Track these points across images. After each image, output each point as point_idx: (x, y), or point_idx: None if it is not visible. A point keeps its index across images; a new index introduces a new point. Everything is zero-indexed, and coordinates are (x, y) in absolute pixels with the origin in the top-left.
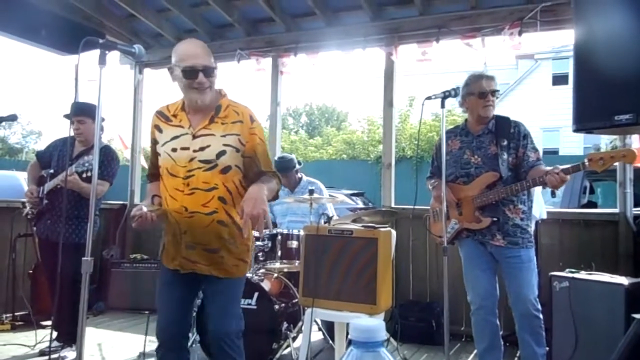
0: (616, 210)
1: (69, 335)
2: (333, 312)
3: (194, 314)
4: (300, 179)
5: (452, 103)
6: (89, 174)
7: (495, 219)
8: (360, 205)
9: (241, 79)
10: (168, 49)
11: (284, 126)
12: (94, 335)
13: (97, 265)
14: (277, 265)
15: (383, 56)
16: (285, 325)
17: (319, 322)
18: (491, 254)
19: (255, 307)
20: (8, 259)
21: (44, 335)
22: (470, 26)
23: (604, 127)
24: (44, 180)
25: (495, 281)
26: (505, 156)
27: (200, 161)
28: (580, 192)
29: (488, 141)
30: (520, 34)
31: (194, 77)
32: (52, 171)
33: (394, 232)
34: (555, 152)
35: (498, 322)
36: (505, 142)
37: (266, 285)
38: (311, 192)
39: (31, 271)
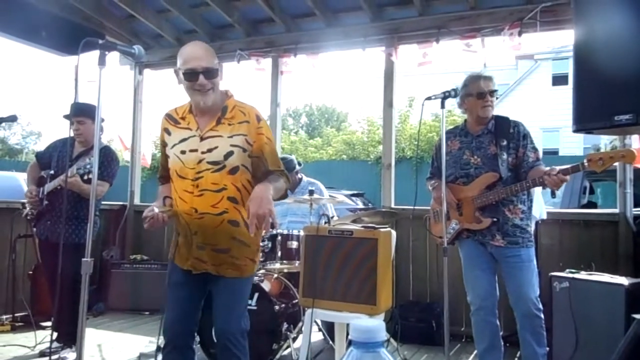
0: (616, 211)
1: (69, 336)
2: (333, 313)
3: None
4: (301, 179)
5: (452, 103)
6: (90, 176)
7: (495, 219)
8: (360, 205)
9: (241, 80)
10: (168, 50)
11: (283, 127)
12: (94, 336)
13: (97, 266)
14: (277, 265)
15: (383, 57)
16: (285, 325)
17: (319, 323)
18: (491, 255)
19: (255, 307)
20: (8, 260)
21: (44, 336)
22: (470, 27)
23: (603, 128)
24: (44, 181)
25: (495, 282)
26: (504, 156)
27: (209, 162)
28: (580, 193)
29: (487, 141)
30: (520, 34)
31: (194, 79)
32: (52, 172)
33: (394, 233)
34: (555, 153)
35: (498, 323)
36: (505, 142)
37: (266, 285)
38: (311, 192)
39: (31, 272)
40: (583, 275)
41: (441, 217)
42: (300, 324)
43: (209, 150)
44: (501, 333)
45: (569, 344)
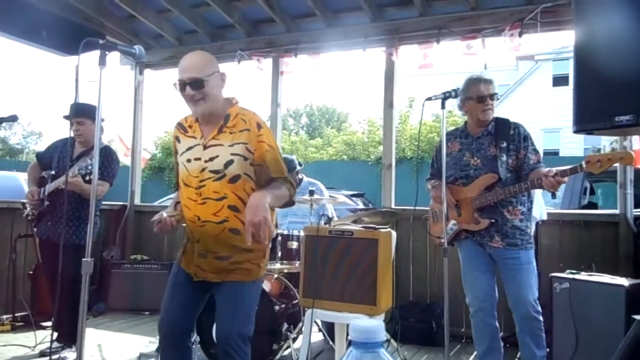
0: (616, 212)
1: (69, 336)
2: (333, 313)
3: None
4: (301, 179)
5: (453, 104)
6: (91, 176)
7: (493, 220)
8: (361, 206)
9: (241, 80)
10: (168, 50)
11: (284, 127)
12: (94, 336)
13: (97, 266)
14: (278, 266)
15: (383, 57)
16: (285, 326)
17: (319, 323)
18: (490, 256)
19: (256, 309)
20: (8, 260)
21: (44, 336)
22: (471, 27)
23: (604, 128)
24: (45, 181)
25: (494, 283)
26: (504, 158)
27: (211, 171)
28: (581, 193)
29: (487, 143)
30: (520, 35)
31: (182, 90)
32: (53, 172)
33: (394, 233)
34: (555, 153)
35: (497, 324)
36: (505, 144)
37: (266, 286)
38: (311, 193)
39: (31, 272)
40: (583, 276)
41: (440, 218)
42: (300, 324)
43: (211, 159)
44: (501, 334)
45: (569, 344)
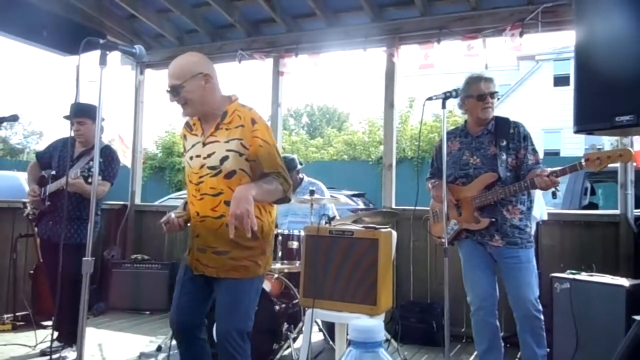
0: (617, 212)
1: (70, 336)
2: (333, 313)
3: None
4: (302, 179)
5: (453, 104)
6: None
7: (493, 219)
8: (361, 206)
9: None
10: (169, 50)
11: (284, 127)
12: (94, 336)
13: (97, 266)
14: (278, 265)
15: (384, 57)
16: (285, 325)
17: (320, 323)
18: (490, 255)
19: (255, 307)
20: (9, 259)
21: (44, 336)
22: (471, 27)
23: (604, 128)
24: (45, 180)
25: (494, 282)
26: (504, 157)
27: (208, 167)
28: (581, 194)
29: (487, 142)
30: (521, 35)
31: (169, 97)
32: (53, 172)
33: (394, 233)
34: (556, 154)
35: (498, 323)
36: (505, 143)
37: (267, 285)
38: (312, 192)
39: (32, 271)
40: (584, 276)
41: (440, 217)
42: (300, 324)
43: (209, 156)
44: (501, 334)
45: (570, 344)
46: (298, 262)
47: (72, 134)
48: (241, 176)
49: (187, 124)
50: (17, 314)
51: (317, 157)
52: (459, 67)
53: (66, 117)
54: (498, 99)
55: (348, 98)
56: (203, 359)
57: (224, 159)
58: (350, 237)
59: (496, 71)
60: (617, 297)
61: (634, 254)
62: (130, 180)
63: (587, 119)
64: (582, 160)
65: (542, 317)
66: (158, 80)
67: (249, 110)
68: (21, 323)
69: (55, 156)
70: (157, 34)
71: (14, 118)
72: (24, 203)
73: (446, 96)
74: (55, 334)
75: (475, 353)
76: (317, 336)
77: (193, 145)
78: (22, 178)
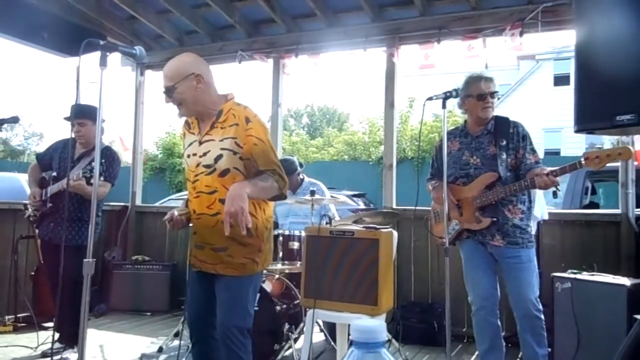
0: (618, 211)
1: (71, 337)
2: (334, 313)
3: None
4: (302, 180)
5: (453, 104)
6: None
7: (494, 219)
8: (362, 206)
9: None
10: (169, 51)
11: (285, 127)
12: (95, 337)
13: (98, 267)
14: (279, 266)
15: (384, 57)
16: (287, 326)
17: (321, 323)
18: (491, 255)
19: (257, 308)
20: (10, 261)
21: (46, 337)
22: (471, 27)
23: (605, 128)
24: (45, 182)
25: (496, 282)
26: (504, 156)
27: (204, 166)
28: (582, 193)
29: (487, 142)
30: (521, 34)
31: (164, 98)
32: (54, 174)
33: (395, 233)
34: (557, 153)
35: (499, 323)
36: (504, 142)
37: (268, 286)
38: (312, 193)
39: (33, 273)
40: (585, 275)
41: (441, 218)
42: (301, 324)
43: (204, 154)
44: (503, 334)
45: (571, 344)
46: (299, 262)
47: (73, 135)
48: (235, 174)
49: (186, 122)
50: (19, 315)
51: (317, 158)
52: (459, 67)
53: (67, 119)
54: (498, 98)
55: (348, 98)
56: (215, 356)
57: (218, 158)
58: (351, 237)
59: (496, 71)
60: (618, 296)
61: (635, 254)
62: (131, 182)
63: (587, 119)
64: (582, 159)
65: (542, 316)
66: (158, 81)
67: (243, 109)
68: (22, 324)
69: (56, 157)
70: (157, 35)
71: (14, 120)
72: (25, 205)
73: (446, 96)
74: (57, 335)
75: (476, 353)
76: (319, 337)
77: (190, 144)
78: (22, 179)
